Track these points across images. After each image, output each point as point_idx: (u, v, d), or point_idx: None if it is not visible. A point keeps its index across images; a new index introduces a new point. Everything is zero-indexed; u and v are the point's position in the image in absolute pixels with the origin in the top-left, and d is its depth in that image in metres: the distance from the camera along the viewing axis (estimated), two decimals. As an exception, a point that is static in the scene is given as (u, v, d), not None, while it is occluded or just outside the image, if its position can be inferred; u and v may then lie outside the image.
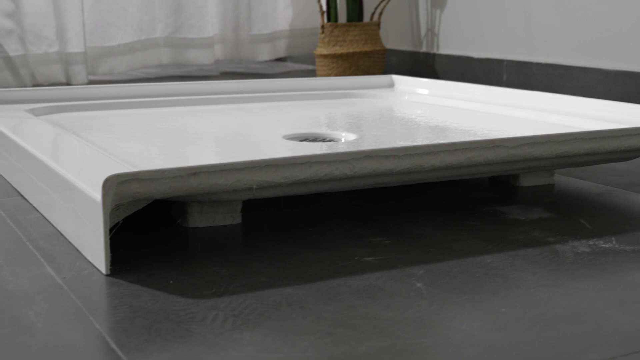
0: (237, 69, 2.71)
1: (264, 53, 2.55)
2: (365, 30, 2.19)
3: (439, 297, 0.61)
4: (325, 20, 2.25)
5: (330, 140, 1.08)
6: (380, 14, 2.24)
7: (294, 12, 2.58)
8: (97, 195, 0.65)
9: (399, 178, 0.80)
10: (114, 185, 0.65)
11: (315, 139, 1.10)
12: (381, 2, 2.26)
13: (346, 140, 1.07)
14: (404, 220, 0.83)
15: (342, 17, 2.36)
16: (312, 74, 2.49)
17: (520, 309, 0.59)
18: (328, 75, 2.19)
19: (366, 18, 2.34)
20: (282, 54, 2.62)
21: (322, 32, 2.20)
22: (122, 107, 1.28)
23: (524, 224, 0.81)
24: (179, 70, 2.59)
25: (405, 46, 2.42)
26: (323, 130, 1.13)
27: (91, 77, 2.28)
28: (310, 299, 0.60)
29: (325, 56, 2.19)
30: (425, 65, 2.33)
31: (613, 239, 0.76)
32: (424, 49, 2.35)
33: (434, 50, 2.31)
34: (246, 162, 0.69)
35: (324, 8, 2.26)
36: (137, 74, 2.49)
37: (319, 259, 0.70)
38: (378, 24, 2.24)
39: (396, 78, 1.55)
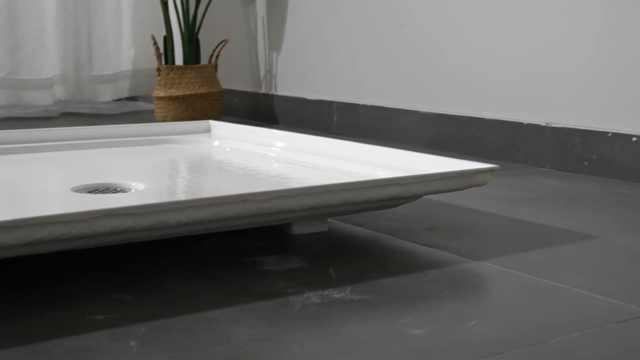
0: (83, 110, 2.69)
1: (106, 94, 2.55)
2: (201, 73, 2.22)
3: (145, 356, 0.63)
4: (163, 63, 2.27)
5: (120, 191, 1.10)
6: (217, 56, 2.27)
7: (136, 52, 2.59)
8: None
9: (147, 234, 0.82)
10: None
11: (106, 189, 1.11)
12: (218, 45, 2.29)
13: (136, 190, 1.09)
14: (160, 274, 0.85)
15: (180, 59, 2.38)
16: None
17: (217, 366, 0.61)
18: (165, 117, 2.21)
19: (204, 60, 2.37)
20: (125, 94, 2.63)
21: (159, 75, 2.22)
22: None
23: (274, 275, 0.85)
24: (20, 112, 2.55)
25: (247, 87, 2.47)
26: (118, 180, 1.14)
27: None
28: (16, 362, 0.62)
29: (162, 98, 2.20)
30: (265, 105, 2.37)
31: (349, 288, 0.80)
32: (263, 90, 2.40)
33: (273, 92, 2.35)
34: (-26, 225, 0.70)
35: (161, 51, 2.27)
36: (-26, 116, 2.44)
37: (51, 318, 0.71)
38: (215, 67, 2.27)
39: (213, 123, 1.57)
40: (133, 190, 1.09)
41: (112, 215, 0.77)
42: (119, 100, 2.87)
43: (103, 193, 1.08)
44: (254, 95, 2.42)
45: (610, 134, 1.46)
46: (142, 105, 2.91)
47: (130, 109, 2.79)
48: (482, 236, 1.03)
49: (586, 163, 1.50)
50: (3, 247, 0.72)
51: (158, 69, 2.22)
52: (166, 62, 2.26)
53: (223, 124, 1.56)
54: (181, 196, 1.08)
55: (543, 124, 1.58)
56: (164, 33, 2.34)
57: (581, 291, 0.80)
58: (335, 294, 0.78)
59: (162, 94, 2.21)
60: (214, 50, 2.30)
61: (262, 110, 2.38)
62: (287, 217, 0.94)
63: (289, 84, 2.29)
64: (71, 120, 2.44)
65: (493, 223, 1.11)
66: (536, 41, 1.59)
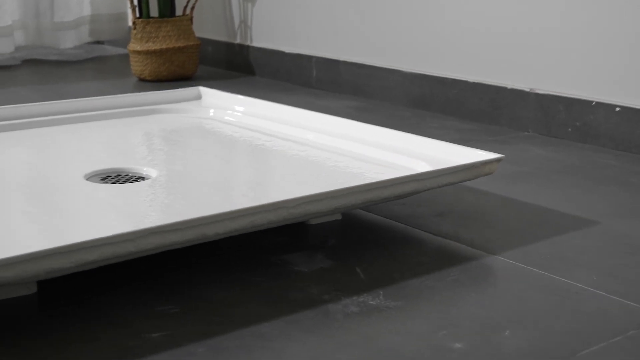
0: (48, 56, 2.66)
1: (68, 40, 2.55)
2: (177, 26, 2.20)
3: (213, 383, 0.67)
4: (137, 16, 2.24)
5: (133, 179, 1.11)
6: (193, 8, 2.26)
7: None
8: None
9: (185, 244, 0.85)
10: None
11: (117, 175, 1.13)
12: (193, -4, 2.27)
13: (148, 176, 1.11)
14: (193, 280, 0.88)
15: (155, 11, 2.36)
16: (127, 58, 2.48)
17: (284, 393, 0.66)
18: (142, 71, 2.20)
19: (179, 12, 2.35)
20: (87, 40, 2.62)
21: (134, 29, 2.20)
22: None
23: (304, 277, 0.89)
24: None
25: (221, 37, 2.45)
26: (125, 165, 1.16)
27: None
28: (93, 394, 0.65)
29: (138, 52, 2.19)
30: (240, 56, 2.37)
31: (381, 292, 0.85)
32: (238, 41, 2.39)
33: (248, 43, 2.35)
34: (29, 254, 0.72)
35: (135, 3, 2.25)
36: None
37: (106, 339, 0.74)
38: (190, 19, 2.25)
39: (203, 90, 1.58)
40: (146, 178, 1.11)
41: (157, 232, 0.79)
42: (85, 44, 2.84)
43: (117, 182, 1.10)
44: (229, 46, 2.42)
45: (594, 103, 1.51)
46: (109, 50, 2.88)
47: (97, 54, 2.76)
48: (488, 224, 1.08)
49: (569, 129, 1.56)
50: (59, 270, 0.75)
51: (133, 22, 2.20)
52: (140, 15, 2.24)
53: (214, 91, 1.57)
54: (199, 184, 1.10)
55: (527, 89, 1.63)
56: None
57: (596, 291, 0.86)
58: (370, 300, 0.83)
59: (138, 47, 2.19)
60: (188, 2, 2.28)
61: (238, 61, 2.38)
62: (312, 216, 0.97)
63: (265, 36, 2.29)
64: (35, 68, 2.42)
65: (494, 206, 1.16)
66: (523, 7, 1.62)
